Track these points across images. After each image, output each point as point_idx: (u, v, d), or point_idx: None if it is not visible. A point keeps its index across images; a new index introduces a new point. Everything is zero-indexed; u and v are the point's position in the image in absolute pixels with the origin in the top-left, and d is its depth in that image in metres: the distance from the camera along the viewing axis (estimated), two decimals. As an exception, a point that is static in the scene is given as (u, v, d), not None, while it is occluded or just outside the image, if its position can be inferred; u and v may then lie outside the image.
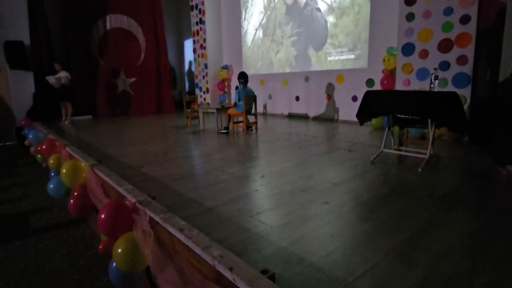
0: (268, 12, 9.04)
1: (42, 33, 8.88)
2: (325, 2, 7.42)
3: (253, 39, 9.73)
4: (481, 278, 1.56)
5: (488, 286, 1.51)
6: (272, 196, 2.79)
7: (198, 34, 11.01)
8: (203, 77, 11.13)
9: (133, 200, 2.11)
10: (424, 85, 5.06)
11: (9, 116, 8.72)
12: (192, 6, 11.03)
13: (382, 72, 6.34)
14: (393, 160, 3.87)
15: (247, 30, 9.89)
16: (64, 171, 3.28)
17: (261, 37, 9.43)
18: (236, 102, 6.28)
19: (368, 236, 2.01)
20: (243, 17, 9.94)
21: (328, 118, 7.77)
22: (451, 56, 4.83)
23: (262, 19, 9.27)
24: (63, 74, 8.25)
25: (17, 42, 8.39)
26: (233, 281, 1.23)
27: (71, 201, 2.97)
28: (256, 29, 9.53)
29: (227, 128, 6.36)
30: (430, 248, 1.84)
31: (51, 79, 8.11)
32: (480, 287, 1.50)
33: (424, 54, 5.13)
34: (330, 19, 7.40)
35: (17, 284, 2.53)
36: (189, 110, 7.76)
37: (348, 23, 7.05)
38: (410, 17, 5.24)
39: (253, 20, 9.60)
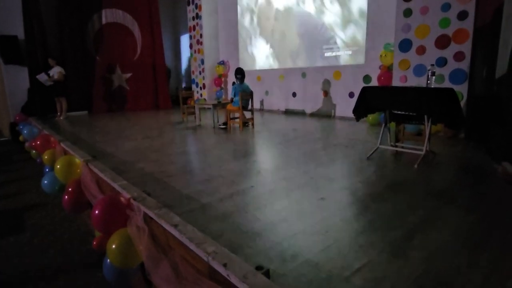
0: (266, 8, 8.98)
1: (36, 27, 8.75)
2: (322, -3, 7.39)
3: (250, 35, 9.67)
4: (476, 274, 1.56)
5: (483, 281, 1.51)
6: (267, 192, 2.78)
7: (194, 29, 10.94)
8: (200, 72, 11.07)
9: (128, 195, 2.09)
10: (421, 81, 5.06)
11: (4, 112, 8.63)
12: (188, 1, 10.95)
13: (379, 68, 6.34)
14: (389, 157, 3.88)
15: (244, 26, 9.82)
16: (58, 166, 3.25)
17: (258, 33, 9.38)
18: (232, 98, 6.26)
19: (364, 232, 2.01)
20: (240, 13, 9.87)
21: (324, 115, 7.76)
22: (448, 52, 4.83)
23: (260, 15, 9.22)
24: (57, 69, 8.16)
25: (11, 37, 8.27)
26: (227, 277, 1.22)
27: (66, 197, 2.95)
28: (254, 25, 9.47)
29: (226, 123, 6.34)
30: (425, 244, 1.84)
31: (42, 77, 7.98)
32: (475, 283, 1.50)
33: (421, 50, 5.12)
34: (328, 15, 7.37)
35: (11, 280, 2.51)
36: (185, 105, 7.71)
37: (345, 19, 7.02)
38: (407, 13, 5.22)
39: (250, 16, 9.54)
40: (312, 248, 1.81)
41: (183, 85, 13.24)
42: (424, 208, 2.35)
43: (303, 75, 8.17)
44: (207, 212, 2.37)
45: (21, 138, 6.67)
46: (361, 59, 6.87)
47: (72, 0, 9.50)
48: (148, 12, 10.73)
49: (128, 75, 10.64)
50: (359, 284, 1.50)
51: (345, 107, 7.21)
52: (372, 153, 3.78)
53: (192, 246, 1.44)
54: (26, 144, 5.82)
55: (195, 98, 10.93)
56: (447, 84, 4.85)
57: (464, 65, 4.71)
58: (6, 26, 8.29)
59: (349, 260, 1.69)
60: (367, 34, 6.63)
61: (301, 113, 8.35)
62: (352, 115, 3.95)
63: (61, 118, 8.48)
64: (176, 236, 1.57)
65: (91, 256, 2.75)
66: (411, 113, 3.51)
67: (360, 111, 3.81)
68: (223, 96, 10.53)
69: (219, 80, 10.64)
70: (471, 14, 4.56)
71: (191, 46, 11.34)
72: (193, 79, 11.55)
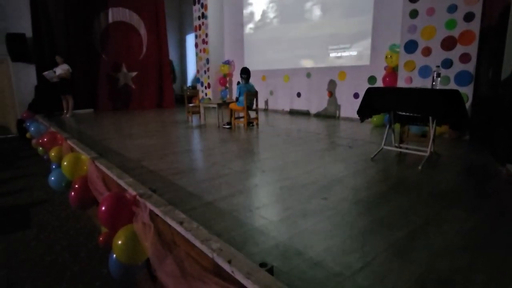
0: (271, 8, 8.99)
1: (44, 25, 8.85)
2: (328, -2, 7.38)
3: (256, 34, 9.68)
4: (478, 275, 1.57)
5: (485, 283, 1.52)
6: (272, 191, 2.80)
7: (200, 28, 10.97)
8: (205, 72, 11.10)
9: (134, 193, 2.12)
10: (426, 83, 5.04)
11: (11, 108, 8.73)
12: (194, 0, 10.98)
13: (384, 69, 6.32)
14: (394, 158, 3.87)
15: (250, 26, 9.84)
16: (65, 163, 3.29)
17: (263, 33, 9.39)
18: (237, 97, 6.28)
19: (367, 231, 2.02)
20: (246, 12, 9.89)
21: (329, 115, 7.75)
22: (454, 54, 4.81)
23: (265, 15, 9.23)
24: (63, 67, 8.24)
25: (19, 35, 8.37)
26: (232, 274, 1.24)
27: (72, 193, 2.99)
28: (259, 25, 9.48)
29: (230, 123, 6.37)
30: (428, 245, 1.84)
31: (49, 75, 8.05)
32: (477, 284, 1.51)
33: (427, 51, 5.11)
34: (333, 15, 7.36)
35: (17, 275, 2.56)
36: (190, 105, 7.74)
37: (351, 20, 7.01)
38: (413, 14, 5.21)
39: (256, 16, 9.56)
40: (315, 247, 1.83)
41: (188, 84, 13.28)
42: (427, 209, 2.36)
43: (308, 75, 8.17)
44: (211, 210, 2.39)
45: (28, 135, 6.75)
46: (366, 60, 6.86)
47: (79, -1, 9.58)
48: (154, 11, 10.79)
49: (134, 73, 10.70)
50: (361, 283, 1.51)
51: (349, 107, 7.21)
52: (377, 153, 3.78)
53: (197, 243, 1.46)
54: (33, 141, 5.88)
55: (200, 97, 10.96)
56: (452, 85, 4.83)
57: (470, 66, 4.68)
58: (14, 24, 8.39)
59: (352, 259, 1.70)
60: (373, 34, 6.62)
61: (306, 113, 8.35)
62: (356, 116, 3.95)
63: (67, 115, 8.56)
64: (181, 233, 1.59)
65: (97, 252, 2.79)
66: (415, 114, 3.51)
67: (364, 111, 3.82)
68: (228, 96, 10.55)
69: (224, 80, 10.66)
70: (478, 16, 4.53)
71: (196, 46, 11.38)
72: (198, 78, 11.58)
